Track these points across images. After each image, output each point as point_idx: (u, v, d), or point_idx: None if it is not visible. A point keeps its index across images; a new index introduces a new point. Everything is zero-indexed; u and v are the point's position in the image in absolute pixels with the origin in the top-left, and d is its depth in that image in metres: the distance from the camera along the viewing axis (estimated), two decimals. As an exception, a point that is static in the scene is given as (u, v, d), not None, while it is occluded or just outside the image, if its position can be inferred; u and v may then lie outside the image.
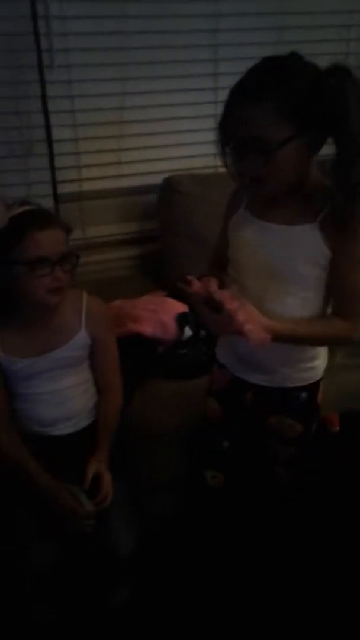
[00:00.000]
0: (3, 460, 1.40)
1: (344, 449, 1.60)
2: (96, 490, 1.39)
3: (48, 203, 2.10)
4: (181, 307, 1.92)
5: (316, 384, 1.40)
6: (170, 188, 2.14)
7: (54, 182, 2.17)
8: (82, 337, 1.45)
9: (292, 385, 1.37)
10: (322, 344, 1.34)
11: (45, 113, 2.06)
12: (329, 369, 1.41)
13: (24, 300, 1.36)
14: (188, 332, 1.85)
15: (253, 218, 1.25)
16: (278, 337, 1.16)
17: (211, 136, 2.20)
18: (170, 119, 2.23)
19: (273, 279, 1.22)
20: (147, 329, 1.82)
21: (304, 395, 1.39)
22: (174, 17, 2.10)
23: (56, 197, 2.17)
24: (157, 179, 2.24)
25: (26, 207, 1.33)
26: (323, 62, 1.07)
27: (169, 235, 2.20)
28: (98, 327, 1.47)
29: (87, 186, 2.23)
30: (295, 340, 1.24)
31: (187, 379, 1.77)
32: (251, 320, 1.12)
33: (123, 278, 2.28)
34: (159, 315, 1.86)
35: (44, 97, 2.03)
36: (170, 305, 1.92)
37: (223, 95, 2.04)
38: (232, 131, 1.10)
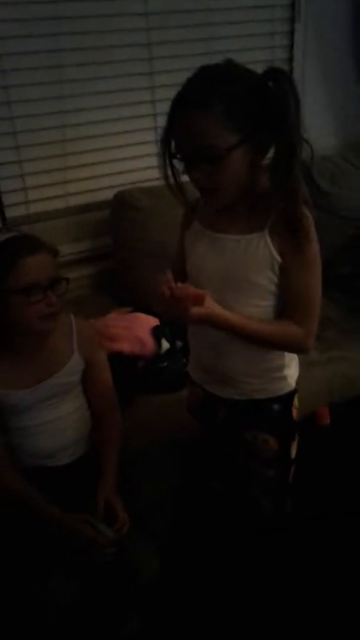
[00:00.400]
0: (11, 498, 1.34)
1: (335, 441, 1.64)
2: (111, 518, 1.35)
3: (-4, 228, 2.03)
4: (153, 321, 1.91)
5: (289, 397, 1.34)
6: (122, 203, 2.13)
7: (1, 206, 2.10)
8: (75, 361, 1.42)
9: (262, 397, 1.31)
10: (273, 346, 1.25)
11: (-13, 136, 2.00)
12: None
13: (16, 330, 1.32)
14: (165, 344, 1.84)
15: (206, 230, 1.23)
16: (226, 325, 1.14)
17: (153, 148, 2.28)
18: (113, 134, 2.22)
19: (229, 290, 1.19)
20: (125, 346, 1.80)
21: (276, 407, 1.33)
22: (109, 32, 2.09)
23: (4, 221, 2.10)
24: (105, 195, 2.23)
25: (10, 234, 1.29)
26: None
27: (123, 251, 2.19)
28: (90, 348, 1.44)
29: (35, 208, 2.17)
30: (245, 334, 1.17)
31: (171, 391, 1.77)
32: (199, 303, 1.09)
33: (81, 298, 2.23)
34: (134, 331, 1.85)
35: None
36: (143, 320, 1.91)
37: (161, 107, 2.08)
38: (178, 142, 1.09)
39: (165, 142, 1.11)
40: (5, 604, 1.31)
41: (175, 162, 1.13)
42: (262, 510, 1.44)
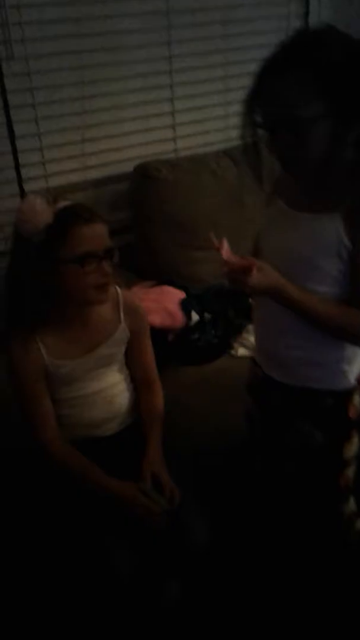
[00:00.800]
0: (65, 467, 1.35)
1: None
2: (159, 487, 1.36)
3: (15, 202, 2.00)
4: (181, 294, 1.92)
5: (346, 393, 1.25)
6: (143, 175, 2.11)
7: (20, 180, 2.07)
8: (122, 331, 1.42)
9: (316, 387, 1.25)
10: (333, 330, 1.17)
11: (6, 109, 1.96)
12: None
13: (70, 300, 1.32)
14: (195, 316, 1.85)
15: (282, 205, 1.20)
16: (287, 296, 1.10)
17: (170, 120, 2.26)
18: (130, 106, 2.19)
19: (289, 269, 1.12)
20: (156, 319, 1.80)
21: (329, 400, 1.26)
22: (126, 1, 2.05)
23: (23, 195, 2.08)
24: (123, 168, 2.21)
25: (66, 203, 1.28)
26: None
27: (144, 224, 2.18)
28: (136, 320, 1.45)
29: (54, 181, 2.15)
30: (305, 309, 1.12)
31: (205, 363, 1.78)
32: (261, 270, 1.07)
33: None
34: (163, 303, 1.85)
35: (3, 92, 1.93)
36: (171, 293, 1.91)
37: (178, 77, 2.05)
38: (261, 106, 1.05)
39: (248, 103, 1.06)
40: (68, 575, 1.32)
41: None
42: (310, 516, 1.39)
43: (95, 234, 1.27)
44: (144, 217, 2.17)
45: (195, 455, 1.56)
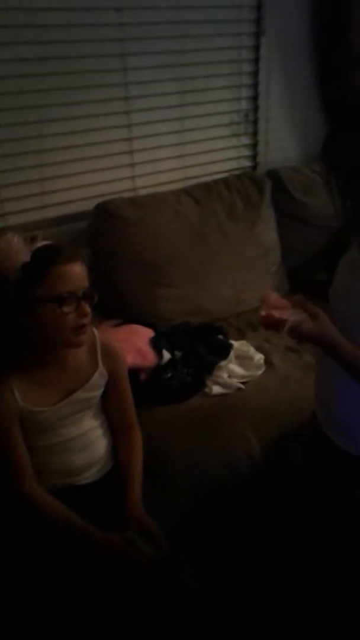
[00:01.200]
0: (46, 518, 1.26)
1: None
2: (146, 536, 1.29)
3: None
4: (149, 332, 1.88)
5: None
6: (104, 213, 2.08)
7: (-24, 219, 2.01)
8: (99, 376, 1.37)
9: None
10: None
11: None
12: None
13: (48, 343, 1.25)
14: (166, 355, 1.81)
15: (356, 252, 1.17)
16: (336, 349, 1.07)
17: (128, 159, 2.26)
18: (88, 145, 2.17)
19: (352, 323, 1.10)
20: (127, 358, 1.73)
21: None
22: (84, 42, 2.05)
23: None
24: (83, 206, 2.17)
25: (44, 242, 1.23)
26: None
27: (107, 262, 2.13)
28: (114, 362, 1.40)
29: (12, 220, 2.08)
30: (349, 366, 1.09)
31: (179, 402, 1.73)
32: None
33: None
34: (133, 342, 1.80)
35: None
36: (140, 332, 1.87)
37: (135, 118, 2.02)
38: (335, 155, 1.04)
39: (326, 150, 1.05)
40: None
41: None
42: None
43: (75, 274, 1.23)
44: (107, 255, 2.13)
45: (176, 497, 1.50)
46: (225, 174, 2.49)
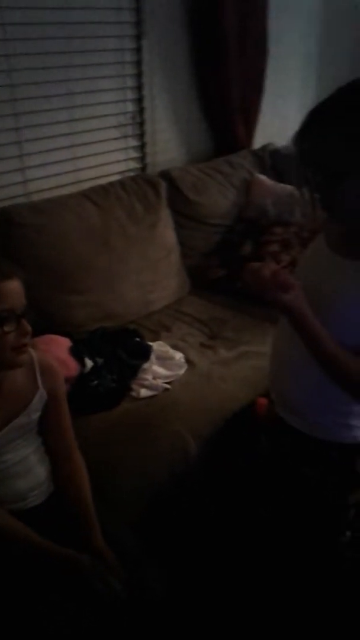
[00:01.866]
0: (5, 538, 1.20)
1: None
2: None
3: None
4: (67, 341, 1.84)
5: (354, 448, 1.25)
6: (7, 221, 1.99)
7: None
8: (40, 397, 1.31)
9: (321, 437, 1.26)
10: (338, 378, 1.15)
11: None
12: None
13: None
14: (89, 362, 1.78)
15: (323, 244, 1.20)
16: (304, 325, 1.09)
17: (16, 164, 2.18)
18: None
19: (316, 309, 1.11)
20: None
21: (333, 454, 1.27)
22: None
23: None
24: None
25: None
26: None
27: (9, 272, 2.04)
28: (53, 380, 1.34)
29: None
30: (316, 346, 1.11)
31: (109, 408, 1.72)
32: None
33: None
34: (54, 353, 1.74)
35: None
36: (57, 341, 1.82)
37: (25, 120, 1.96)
38: (303, 151, 1.06)
39: (295, 141, 1.05)
40: None
41: None
42: (308, 548, 1.42)
43: (14, 291, 1.17)
44: (12, 263, 2.03)
45: (125, 507, 1.49)
46: (117, 176, 2.49)
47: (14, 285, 1.17)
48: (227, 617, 1.57)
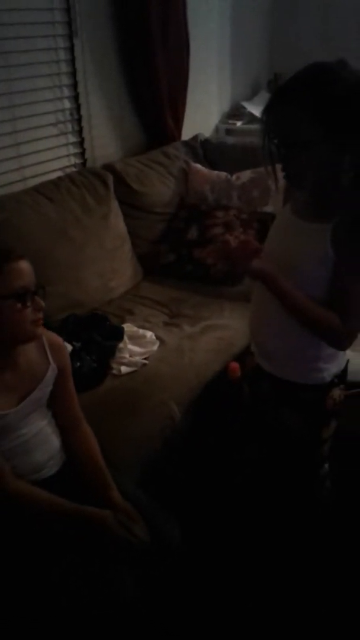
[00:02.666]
0: (29, 504, 1.30)
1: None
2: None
3: None
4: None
5: (323, 389, 1.41)
6: None
7: None
8: (52, 371, 1.41)
9: (294, 380, 1.42)
10: (312, 327, 1.30)
11: None
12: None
13: (7, 340, 1.27)
14: (68, 346, 1.86)
15: (288, 211, 1.34)
16: (277, 287, 1.25)
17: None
18: None
19: (281, 270, 1.25)
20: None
21: (308, 395, 1.42)
22: None
23: None
24: None
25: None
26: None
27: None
28: (61, 356, 1.44)
29: None
30: (290, 303, 1.27)
31: (95, 387, 1.81)
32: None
33: None
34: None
35: None
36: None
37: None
38: (269, 125, 1.18)
39: (262, 117, 1.18)
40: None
41: None
42: (294, 489, 1.59)
43: (26, 270, 1.27)
44: None
45: (128, 470, 1.60)
46: (60, 172, 2.57)
47: (26, 265, 1.27)
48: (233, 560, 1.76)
